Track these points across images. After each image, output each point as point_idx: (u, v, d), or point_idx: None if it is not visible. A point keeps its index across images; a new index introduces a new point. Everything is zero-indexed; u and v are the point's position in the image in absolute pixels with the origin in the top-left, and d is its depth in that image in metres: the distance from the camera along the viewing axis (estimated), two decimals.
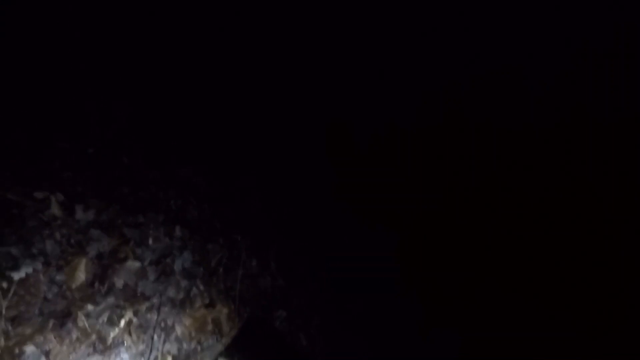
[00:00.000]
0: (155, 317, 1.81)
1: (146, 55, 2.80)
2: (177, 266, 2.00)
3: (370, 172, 3.12)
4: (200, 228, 2.23)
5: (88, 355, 1.60)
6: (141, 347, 1.71)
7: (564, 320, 2.70)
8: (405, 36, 3.04)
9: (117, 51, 2.68)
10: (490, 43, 3.01)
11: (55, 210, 1.84)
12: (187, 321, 1.88)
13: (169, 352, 1.77)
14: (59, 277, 1.69)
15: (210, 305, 1.99)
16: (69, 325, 1.62)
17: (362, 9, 3.05)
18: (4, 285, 1.56)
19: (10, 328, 1.51)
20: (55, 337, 1.58)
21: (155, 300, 1.85)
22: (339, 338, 2.36)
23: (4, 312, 1.52)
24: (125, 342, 1.70)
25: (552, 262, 2.86)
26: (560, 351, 2.64)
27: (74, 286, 1.71)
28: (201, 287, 2.03)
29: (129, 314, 1.76)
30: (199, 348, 1.84)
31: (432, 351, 2.59)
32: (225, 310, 2.02)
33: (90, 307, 1.70)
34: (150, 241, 2.01)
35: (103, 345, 1.65)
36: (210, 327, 1.93)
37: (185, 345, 1.82)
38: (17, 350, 1.48)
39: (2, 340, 1.49)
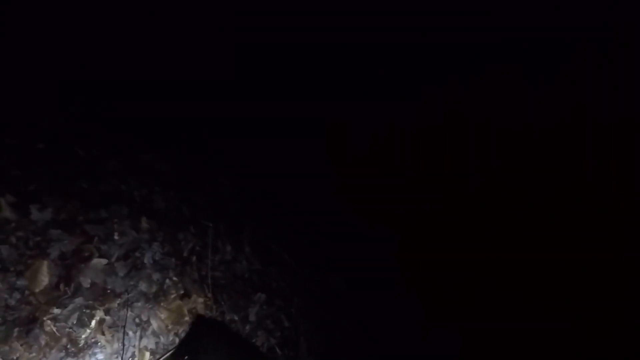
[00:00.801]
0: (128, 313, 1.76)
1: (94, 35, 2.66)
2: (147, 259, 1.94)
3: (367, 171, 3.12)
4: (168, 217, 2.14)
5: (60, 359, 1.56)
6: (116, 345, 1.67)
7: (564, 319, 2.70)
8: (405, 36, 3.04)
9: (59, 33, 2.59)
10: (490, 43, 3.02)
11: (7, 212, 1.75)
12: (163, 314, 1.84)
13: (146, 348, 1.73)
14: (19, 283, 1.63)
15: (186, 295, 1.95)
16: (36, 331, 1.57)
17: (363, 8, 3.05)
18: None
19: None
20: (22, 345, 1.52)
21: (126, 296, 1.80)
22: (321, 318, 2.33)
23: None
24: (99, 342, 1.66)
25: (552, 261, 2.86)
26: (561, 351, 2.64)
27: (37, 290, 1.64)
28: (174, 278, 1.97)
29: (100, 313, 1.71)
30: (176, 340, 1.80)
31: (430, 345, 2.60)
32: (201, 300, 1.98)
33: (57, 310, 1.64)
34: (116, 236, 1.93)
35: (75, 347, 1.60)
36: (187, 318, 1.89)
37: (162, 339, 1.78)
38: None
39: None
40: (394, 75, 3.14)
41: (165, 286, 1.93)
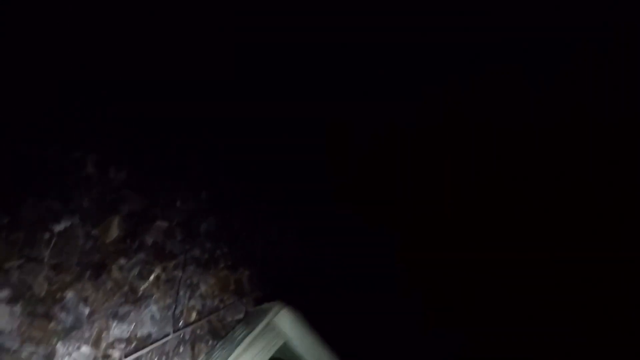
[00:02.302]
0: (181, 274, 1.99)
1: (94, 34, 2.84)
2: (203, 228, 2.18)
3: (371, 172, 3.13)
4: (224, 194, 2.41)
5: (120, 304, 1.82)
6: (168, 301, 1.92)
7: (565, 319, 2.71)
8: (405, 36, 3.05)
9: (59, 33, 2.70)
10: (490, 43, 3.03)
11: (91, 169, 2.03)
12: (211, 280, 2.07)
13: (193, 307, 1.96)
14: (94, 232, 1.88)
15: (233, 267, 2.17)
16: (104, 276, 1.83)
17: (363, 8, 3.06)
18: (46, 236, 1.77)
19: (52, 274, 1.73)
20: (92, 286, 1.81)
21: (181, 259, 2.03)
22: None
23: (46, 259, 1.74)
24: (154, 295, 1.90)
25: (553, 262, 2.87)
26: (561, 351, 2.65)
27: (107, 241, 1.89)
28: (225, 249, 2.21)
29: (157, 270, 1.95)
30: (221, 306, 2.03)
31: (434, 349, 2.60)
32: (247, 273, 2.21)
33: (122, 260, 1.89)
34: (178, 203, 2.19)
35: (134, 296, 1.86)
36: (232, 287, 2.12)
37: (208, 302, 2.01)
38: (58, 295, 1.72)
39: (46, 285, 1.72)
40: (394, 75, 3.15)
41: (215, 255, 2.16)
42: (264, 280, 2.26)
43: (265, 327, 1.83)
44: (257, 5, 3.21)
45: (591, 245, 2.85)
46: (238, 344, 1.76)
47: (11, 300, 1.64)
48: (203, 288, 2.02)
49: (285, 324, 1.88)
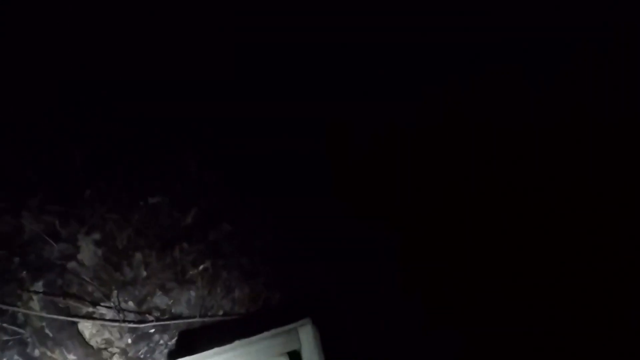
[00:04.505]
0: (225, 274, 2.26)
1: (94, 34, 2.89)
2: (257, 243, 2.50)
3: (370, 172, 3.15)
4: (281, 212, 2.63)
5: (169, 280, 2.17)
6: (205, 292, 2.18)
7: (565, 320, 2.73)
8: (405, 36, 3.07)
9: (59, 33, 2.77)
10: (490, 43, 3.05)
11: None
12: (246, 289, 2.28)
13: (222, 307, 2.17)
14: (176, 214, 2.31)
15: (268, 285, 2.30)
16: (167, 251, 2.23)
17: (363, 8, 3.09)
18: (142, 205, 2.26)
19: (133, 235, 2.17)
20: (155, 256, 2.17)
21: (231, 261, 2.32)
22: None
23: (133, 221, 2.20)
24: (196, 282, 2.19)
25: (553, 262, 2.89)
26: (561, 351, 2.66)
27: (182, 224, 2.29)
28: (268, 267, 2.40)
29: (207, 263, 2.26)
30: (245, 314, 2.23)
31: (433, 350, 2.62)
32: (277, 295, 2.33)
33: (185, 244, 2.26)
34: (247, 214, 2.55)
35: (182, 277, 2.21)
36: (260, 303, 2.26)
37: (236, 308, 2.22)
38: (130, 252, 2.10)
39: (126, 241, 2.11)
40: (394, 75, 3.17)
41: (259, 269, 2.37)
42: (290, 305, 2.37)
43: (286, 331, 1.94)
44: (257, 5, 3.23)
45: (591, 246, 2.87)
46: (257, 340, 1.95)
47: (97, 243, 2.01)
48: (237, 293, 2.23)
49: (305, 335, 1.95)
